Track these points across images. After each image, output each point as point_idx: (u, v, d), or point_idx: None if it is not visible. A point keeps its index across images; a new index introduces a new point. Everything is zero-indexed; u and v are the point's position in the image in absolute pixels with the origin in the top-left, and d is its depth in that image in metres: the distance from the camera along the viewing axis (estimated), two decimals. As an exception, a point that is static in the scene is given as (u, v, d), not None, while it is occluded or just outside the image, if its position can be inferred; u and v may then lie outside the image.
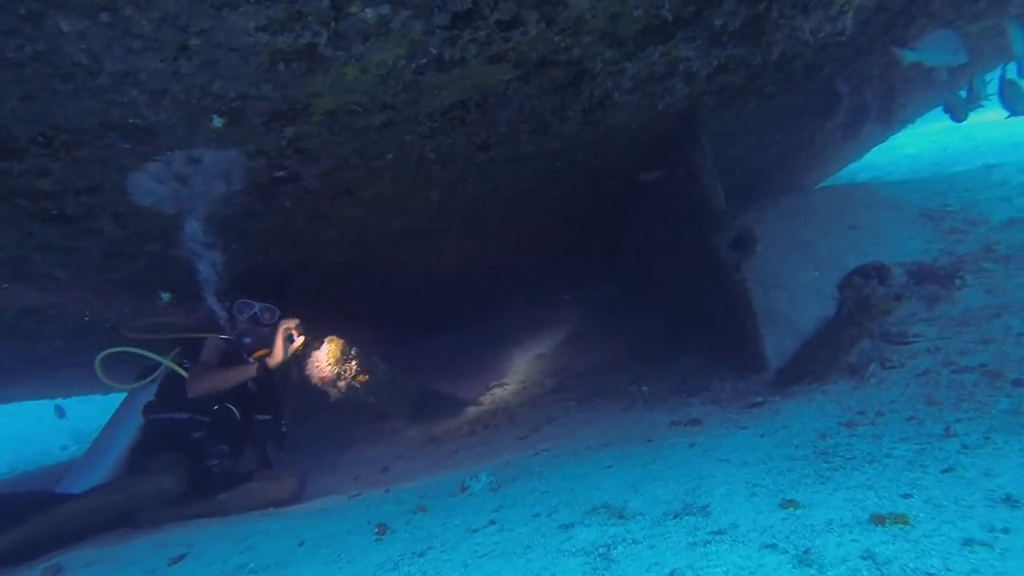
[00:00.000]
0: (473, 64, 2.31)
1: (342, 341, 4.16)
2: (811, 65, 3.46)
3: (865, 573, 1.37)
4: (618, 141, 3.58)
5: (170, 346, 3.52)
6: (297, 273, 3.97)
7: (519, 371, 5.81)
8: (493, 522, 2.08)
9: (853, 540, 1.53)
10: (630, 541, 1.72)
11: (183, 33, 1.79)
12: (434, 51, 2.16)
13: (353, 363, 4.21)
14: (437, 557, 1.86)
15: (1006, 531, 1.47)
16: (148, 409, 3.33)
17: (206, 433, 3.32)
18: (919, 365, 2.98)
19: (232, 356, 3.46)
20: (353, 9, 1.86)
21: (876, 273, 3.06)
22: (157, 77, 1.94)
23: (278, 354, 3.39)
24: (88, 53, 1.78)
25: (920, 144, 8.85)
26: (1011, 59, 4.61)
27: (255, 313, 3.46)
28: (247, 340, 3.44)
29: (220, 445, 3.36)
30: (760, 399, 3.15)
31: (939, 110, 5.80)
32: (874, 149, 6.90)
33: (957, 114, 4.63)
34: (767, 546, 1.56)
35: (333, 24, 1.90)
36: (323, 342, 4.14)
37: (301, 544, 2.21)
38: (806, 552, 1.50)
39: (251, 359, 3.43)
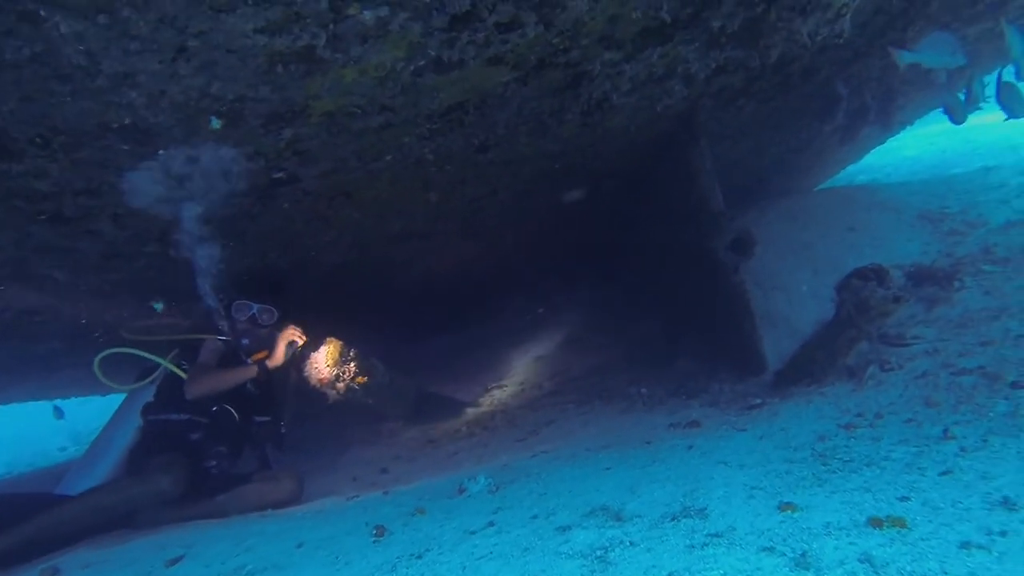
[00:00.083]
0: (471, 66, 2.31)
1: (341, 343, 4.15)
2: (809, 68, 3.47)
3: (862, 576, 1.37)
4: (617, 143, 3.58)
5: (169, 347, 3.52)
6: (296, 274, 3.97)
7: (518, 373, 5.81)
8: (491, 524, 2.08)
9: (851, 543, 1.53)
10: (627, 543, 1.72)
11: (181, 35, 1.79)
12: (432, 53, 2.17)
13: (352, 364, 4.20)
14: (435, 559, 1.85)
15: (1003, 534, 1.47)
16: (147, 410, 3.33)
17: (204, 434, 3.31)
18: (917, 367, 2.98)
19: (231, 357, 3.45)
20: (351, 11, 1.87)
21: (875, 275, 3.07)
22: (155, 79, 1.94)
23: (278, 357, 3.39)
24: (86, 54, 1.78)
25: (919, 146, 8.86)
26: (1008, 62, 4.62)
27: (253, 314, 3.46)
28: (245, 341, 3.44)
29: (219, 446, 3.35)
30: (758, 401, 3.15)
31: (937, 112, 5.81)
32: (873, 151, 6.91)
33: (956, 116, 4.64)
34: (765, 549, 1.56)
35: (331, 26, 1.90)
36: (322, 343, 4.14)
37: (299, 546, 2.21)
38: (803, 555, 1.50)
39: (250, 360, 3.43)
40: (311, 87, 2.17)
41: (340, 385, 4.17)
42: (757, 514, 1.78)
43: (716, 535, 1.69)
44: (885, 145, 6.82)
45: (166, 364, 3.36)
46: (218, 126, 2.24)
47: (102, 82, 1.89)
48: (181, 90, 2.02)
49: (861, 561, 1.44)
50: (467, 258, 4.99)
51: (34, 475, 7.20)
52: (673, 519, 1.84)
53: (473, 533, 2.02)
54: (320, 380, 4.15)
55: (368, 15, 1.90)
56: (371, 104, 2.39)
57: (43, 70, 1.80)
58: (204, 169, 2.43)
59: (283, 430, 3.61)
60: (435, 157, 2.98)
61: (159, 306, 3.44)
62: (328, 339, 4.17)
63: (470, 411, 4.94)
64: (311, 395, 4.20)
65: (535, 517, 2.07)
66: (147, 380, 3.45)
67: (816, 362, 3.17)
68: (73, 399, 7.11)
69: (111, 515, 2.87)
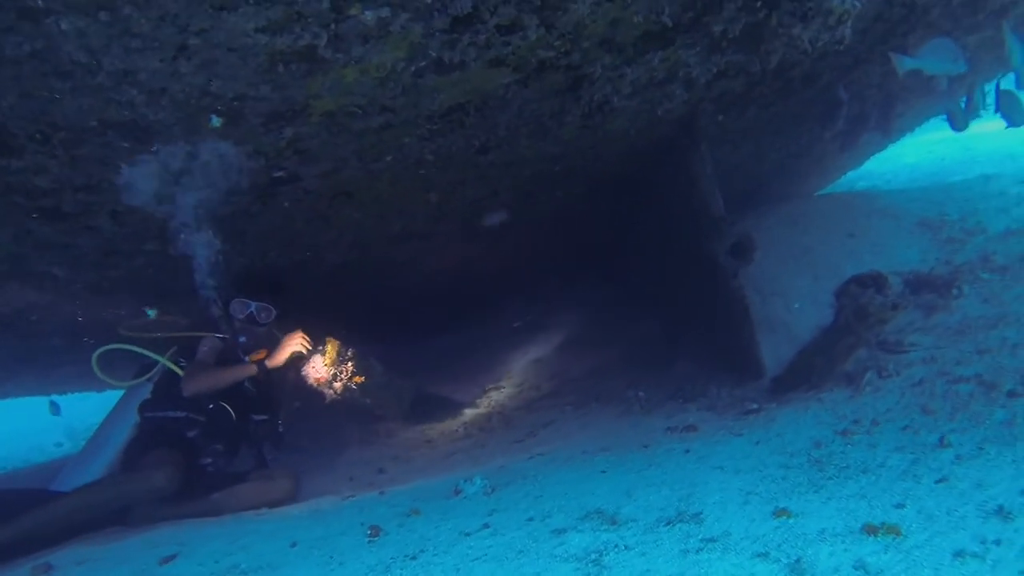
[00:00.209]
0: (472, 68, 2.31)
1: (339, 342, 4.15)
2: (810, 73, 3.47)
3: (856, 583, 1.37)
4: (617, 146, 3.58)
5: (167, 344, 3.51)
6: (295, 274, 3.97)
7: (516, 374, 5.81)
8: (486, 526, 2.08)
9: (845, 550, 1.53)
10: (622, 547, 1.72)
11: (182, 33, 1.79)
12: (433, 54, 2.17)
13: (350, 364, 4.20)
14: (429, 560, 1.85)
15: (998, 543, 1.47)
16: (144, 407, 3.32)
17: (201, 432, 3.31)
18: (915, 374, 2.98)
19: (229, 355, 3.45)
20: (353, 11, 1.87)
21: (873, 282, 3.07)
22: (156, 76, 1.94)
23: (279, 360, 3.36)
24: (87, 51, 1.78)
25: (919, 153, 8.86)
26: (1008, 70, 4.63)
27: (251, 312, 3.45)
28: (243, 339, 3.43)
29: (215, 444, 3.35)
30: (756, 406, 3.15)
31: (937, 120, 5.82)
32: (873, 157, 6.91)
33: (957, 123, 4.64)
34: (759, 555, 1.56)
35: (333, 26, 1.90)
36: (320, 343, 4.14)
37: (293, 545, 2.20)
38: (798, 561, 1.50)
39: (248, 359, 3.42)
40: (312, 86, 2.17)
41: (337, 385, 4.16)
42: (752, 519, 1.78)
43: (711, 540, 1.68)
44: (885, 152, 6.82)
45: (164, 361, 3.36)
46: (218, 124, 2.24)
47: (103, 79, 1.89)
48: (182, 88, 2.02)
49: (855, 568, 1.44)
50: (467, 259, 4.99)
51: (29, 471, 7.19)
52: (668, 523, 1.84)
53: (468, 535, 2.02)
54: (317, 379, 4.14)
55: (369, 15, 1.90)
56: (372, 104, 2.39)
57: (43, 66, 1.80)
58: (203, 165, 2.43)
59: (281, 429, 3.61)
60: (435, 158, 2.98)
61: (152, 312, 3.43)
62: (326, 339, 4.17)
63: (468, 412, 4.93)
64: (309, 394, 4.20)
65: (531, 519, 2.07)
66: (145, 377, 3.45)
67: (814, 368, 3.18)
68: (70, 395, 7.10)
69: (105, 511, 2.86)
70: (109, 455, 3.30)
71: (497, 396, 5.24)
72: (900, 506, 1.74)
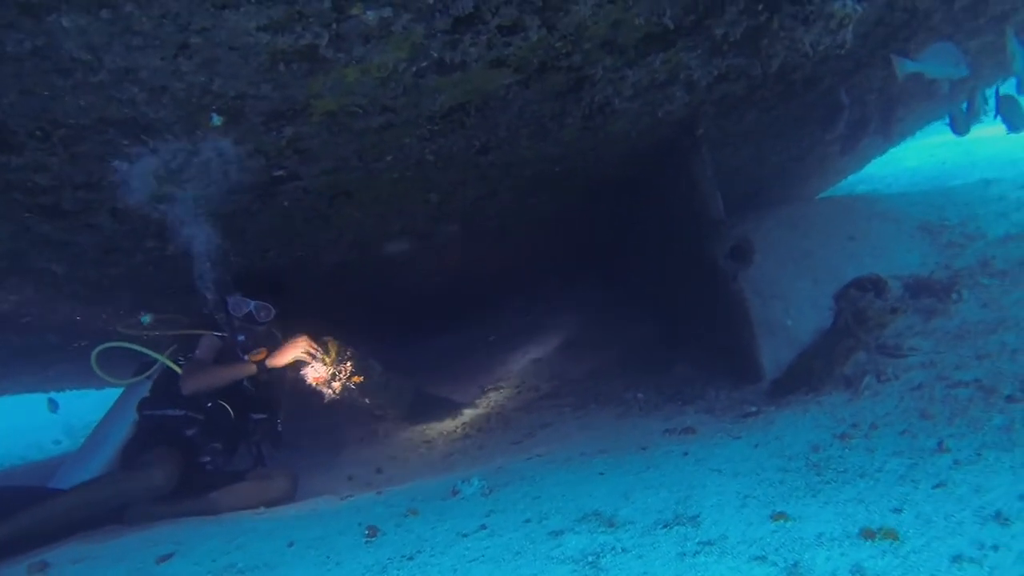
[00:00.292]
0: (474, 68, 2.31)
1: (338, 342, 4.15)
2: (811, 77, 3.47)
3: (853, 587, 1.37)
4: (618, 148, 3.58)
5: (167, 342, 3.51)
6: (295, 273, 3.96)
7: (515, 375, 5.81)
8: (484, 527, 2.08)
9: (842, 554, 1.52)
10: (619, 550, 1.72)
11: (184, 31, 1.79)
12: (435, 54, 2.17)
13: (348, 364, 4.19)
14: (426, 561, 1.85)
15: (995, 548, 1.47)
16: (142, 405, 3.32)
17: (199, 430, 3.30)
18: (914, 378, 2.98)
19: (228, 354, 3.45)
20: (354, 11, 1.87)
21: (873, 286, 3.07)
22: (157, 74, 1.94)
23: (280, 361, 3.34)
24: (88, 49, 1.78)
25: (920, 157, 8.87)
26: (1008, 75, 4.63)
27: (250, 311, 3.45)
28: (241, 338, 3.43)
29: (213, 443, 3.35)
30: (754, 409, 3.15)
31: (938, 124, 5.82)
32: (874, 161, 6.92)
33: (959, 126, 4.64)
34: (756, 558, 1.56)
35: (334, 25, 1.90)
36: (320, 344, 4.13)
37: (290, 544, 2.20)
38: (795, 565, 1.50)
39: (246, 357, 3.41)
40: (313, 86, 2.17)
41: (336, 384, 4.16)
42: (749, 523, 1.78)
43: (708, 543, 1.68)
44: (886, 155, 6.83)
45: (163, 360, 3.36)
46: (219, 123, 2.24)
47: (104, 77, 1.89)
48: (183, 86, 2.01)
49: (852, 573, 1.43)
50: (467, 259, 4.99)
51: (27, 468, 7.19)
52: (665, 526, 1.84)
53: (465, 536, 2.02)
54: (316, 379, 4.14)
55: (371, 15, 1.90)
56: (373, 104, 2.39)
57: (44, 64, 1.80)
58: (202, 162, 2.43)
59: (280, 428, 3.60)
60: (436, 158, 2.98)
61: (147, 318, 3.43)
62: (325, 338, 4.16)
63: (467, 412, 4.93)
64: (307, 394, 4.20)
65: (528, 521, 2.07)
66: (144, 375, 3.44)
67: (813, 371, 3.17)
68: (69, 392, 7.09)
69: (103, 508, 2.86)
70: (108, 453, 3.29)
71: (496, 397, 5.23)
72: (898, 511, 1.73)
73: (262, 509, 3.08)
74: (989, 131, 6.51)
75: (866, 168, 7.19)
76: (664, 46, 2.60)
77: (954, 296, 3.81)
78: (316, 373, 3.49)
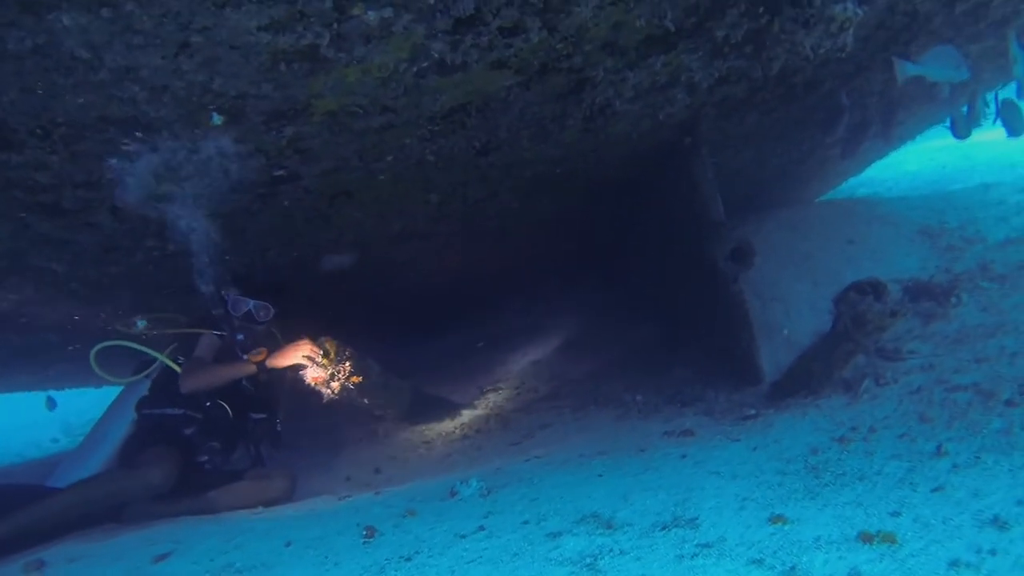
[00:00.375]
0: (474, 69, 2.31)
1: (336, 342, 4.15)
2: (812, 80, 3.47)
3: (851, 591, 1.37)
4: (618, 150, 3.59)
5: (166, 341, 3.51)
6: (295, 273, 3.96)
7: (514, 376, 5.81)
8: (482, 528, 2.07)
9: (840, 558, 1.52)
10: (617, 552, 1.72)
11: (184, 30, 1.79)
12: (436, 55, 2.17)
13: (347, 364, 4.19)
14: (424, 562, 1.85)
15: (993, 553, 1.47)
16: (141, 404, 3.32)
17: (198, 429, 3.30)
18: (913, 382, 2.98)
19: (227, 353, 3.44)
20: (356, 11, 1.87)
21: (872, 289, 3.07)
22: (158, 73, 1.94)
23: (281, 361, 3.32)
24: (89, 47, 1.78)
25: (920, 161, 8.87)
26: (1009, 80, 4.63)
27: (250, 310, 3.45)
28: (241, 337, 3.42)
29: (212, 442, 3.34)
30: (753, 411, 3.15)
31: (938, 128, 5.82)
32: (874, 164, 6.92)
33: (960, 130, 4.64)
34: (754, 561, 1.56)
35: (335, 25, 1.90)
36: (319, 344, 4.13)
37: (288, 544, 2.20)
38: (793, 569, 1.49)
39: (246, 357, 3.41)
40: (314, 86, 2.17)
41: (335, 384, 4.16)
42: (748, 526, 1.78)
43: (706, 545, 1.68)
44: (886, 159, 6.83)
45: (162, 358, 3.35)
46: (219, 122, 2.24)
47: (104, 75, 1.89)
48: (183, 85, 2.02)
49: (850, 576, 1.43)
50: (467, 260, 4.99)
51: (25, 466, 7.18)
52: (664, 528, 1.84)
53: (463, 537, 2.01)
54: (315, 379, 4.13)
55: (372, 16, 1.90)
56: (373, 104, 2.39)
57: (45, 62, 1.80)
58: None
59: (279, 428, 3.60)
60: (436, 159, 2.99)
61: (142, 323, 3.43)
62: (324, 338, 4.16)
63: (465, 413, 4.93)
64: (306, 394, 4.20)
65: (526, 522, 2.07)
66: (143, 374, 3.44)
67: (812, 374, 3.17)
68: (67, 391, 7.09)
69: (100, 507, 2.85)
70: (106, 451, 3.29)
71: (495, 398, 5.23)
72: (896, 514, 1.73)
73: (260, 509, 3.08)
74: (989, 135, 6.52)
75: (866, 171, 7.19)
76: (665, 48, 2.60)
77: (953, 300, 3.82)
78: (315, 373, 3.48)
